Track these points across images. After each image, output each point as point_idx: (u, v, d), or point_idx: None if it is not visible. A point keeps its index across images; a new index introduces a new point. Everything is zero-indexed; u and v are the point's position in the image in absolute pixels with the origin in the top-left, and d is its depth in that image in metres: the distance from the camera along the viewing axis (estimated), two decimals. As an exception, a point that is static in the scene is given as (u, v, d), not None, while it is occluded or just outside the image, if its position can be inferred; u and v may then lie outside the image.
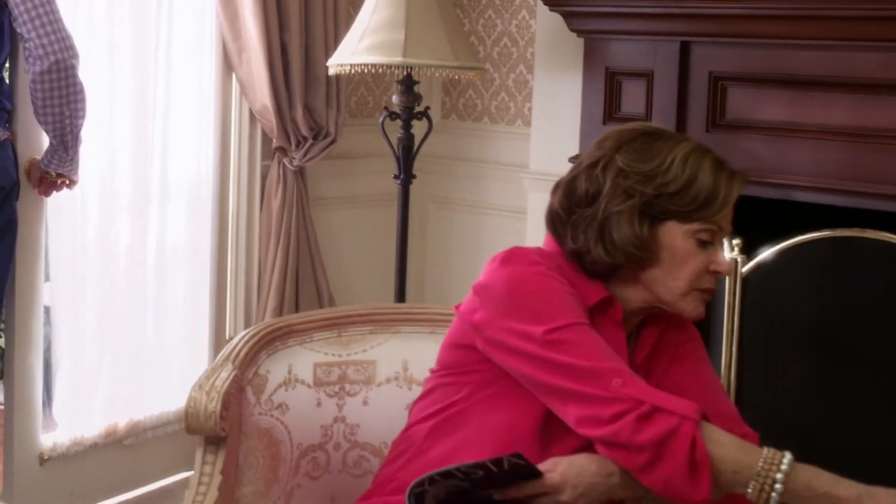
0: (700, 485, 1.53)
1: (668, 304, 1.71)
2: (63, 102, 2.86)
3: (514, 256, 1.71)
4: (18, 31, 2.81)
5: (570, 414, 1.59)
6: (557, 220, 1.72)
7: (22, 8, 2.79)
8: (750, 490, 1.51)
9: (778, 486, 1.51)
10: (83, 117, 2.91)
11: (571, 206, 1.69)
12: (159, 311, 3.61)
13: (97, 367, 3.43)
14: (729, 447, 1.55)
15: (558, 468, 1.62)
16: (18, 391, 3.23)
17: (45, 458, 3.25)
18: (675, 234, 1.67)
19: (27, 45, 2.80)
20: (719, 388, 1.85)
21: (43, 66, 2.79)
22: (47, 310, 3.42)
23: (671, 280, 1.69)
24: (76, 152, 2.98)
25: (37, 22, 2.79)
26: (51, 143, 2.95)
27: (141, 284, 3.56)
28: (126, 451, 3.54)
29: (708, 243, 1.70)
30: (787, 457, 1.54)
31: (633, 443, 1.53)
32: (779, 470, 1.52)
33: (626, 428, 1.53)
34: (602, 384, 1.55)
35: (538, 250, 1.75)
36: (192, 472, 1.95)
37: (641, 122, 1.93)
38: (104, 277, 3.44)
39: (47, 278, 3.40)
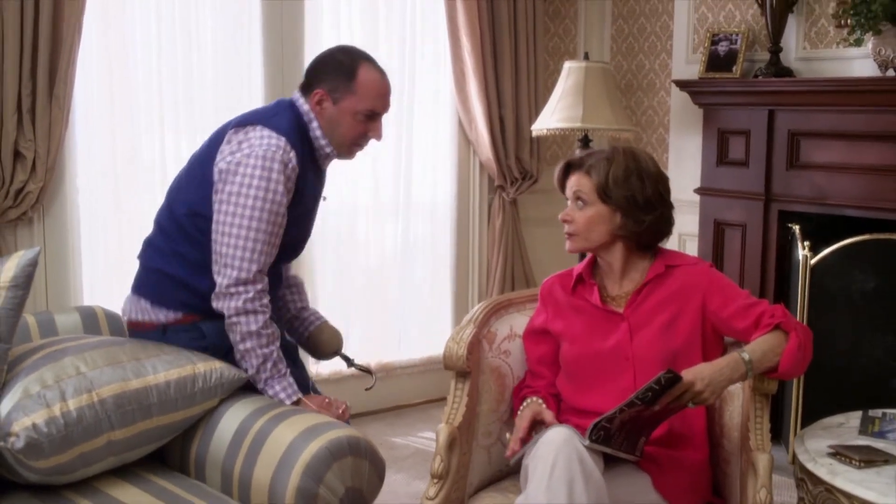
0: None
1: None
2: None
3: None
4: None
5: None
6: None
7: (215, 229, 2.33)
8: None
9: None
10: None
11: None
12: (404, 284, 4.20)
13: (348, 324, 3.88)
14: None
15: (690, 373, 1.93)
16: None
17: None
18: None
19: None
20: (746, 301, 2.11)
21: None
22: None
23: None
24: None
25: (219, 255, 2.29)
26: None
27: (387, 266, 4.17)
28: (378, 382, 3.81)
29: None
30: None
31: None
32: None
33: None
34: None
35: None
36: (447, 395, 2.20)
37: None
38: (354, 262, 4.03)
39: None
